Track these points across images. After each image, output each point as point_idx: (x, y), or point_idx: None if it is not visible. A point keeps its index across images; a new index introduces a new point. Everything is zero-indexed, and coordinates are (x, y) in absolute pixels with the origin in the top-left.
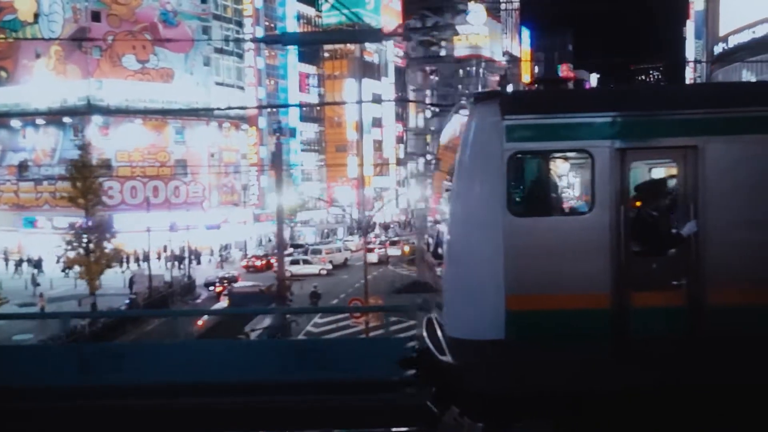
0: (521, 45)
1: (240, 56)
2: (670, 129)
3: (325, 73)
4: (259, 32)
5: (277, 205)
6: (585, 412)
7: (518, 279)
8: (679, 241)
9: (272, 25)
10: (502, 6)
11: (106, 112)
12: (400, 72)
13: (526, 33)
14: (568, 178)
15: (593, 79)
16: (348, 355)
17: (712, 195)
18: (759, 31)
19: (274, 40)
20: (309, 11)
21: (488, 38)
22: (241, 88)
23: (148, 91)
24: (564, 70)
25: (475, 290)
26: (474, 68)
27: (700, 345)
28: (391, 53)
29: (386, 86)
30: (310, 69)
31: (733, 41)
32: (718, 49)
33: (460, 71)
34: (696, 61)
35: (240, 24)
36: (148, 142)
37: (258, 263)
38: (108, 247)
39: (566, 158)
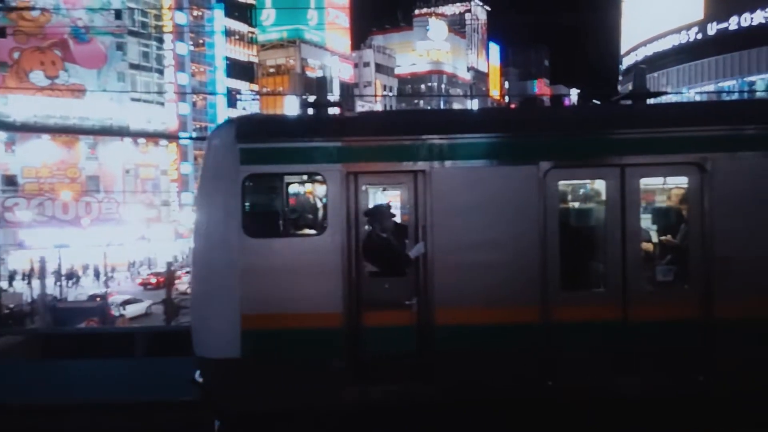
0: (489, 60)
1: (161, 72)
2: (400, 153)
3: (262, 89)
4: (183, 49)
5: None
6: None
7: (252, 298)
8: (407, 262)
9: (201, 41)
10: (468, 22)
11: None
12: (346, 88)
13: (495, 49)
14: (305, 199)
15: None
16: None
17: (438, 218)
18: (640, 54)
19: None
20: (241, 27)
21: (450, 54)
22: (161, 104)
23: (58, 106)
24: (540, 86)
25: (213, 309)
26: (436, 83)
27: (429, 361)
28: (336, 69)
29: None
30: (242, 85)
31: (626, 62)
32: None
33: (422, 86)
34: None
35: (161, 40)
36: (57, 158)
37: (153, 280)
38: None
39: (301, 181)
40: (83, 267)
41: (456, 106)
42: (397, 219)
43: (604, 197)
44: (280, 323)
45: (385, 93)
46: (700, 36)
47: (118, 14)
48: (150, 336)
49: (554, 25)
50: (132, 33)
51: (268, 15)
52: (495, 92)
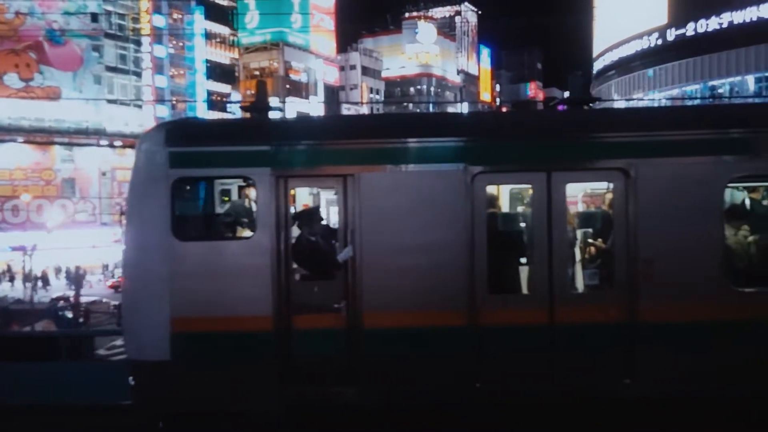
0: (479, 63)
1: (138, 75)
2: (328, 158)
3: (246, 92)
4: (161, 51)
5: None
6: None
7: (182, 302)
8: (335, 266)
9: (180, 44)
10: (457, 25)
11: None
12: (331, 91)
13: (485, 51)
14: (239, 203)
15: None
16: None
17: (366, 222)
18: (608, 59)
19: None
20: (222, 30)
21: (439, 57)
22: (139, 106)
23: (33, 109)
24: (532, 89)
25: (143, 313)
26: (425, 86)
27: (358, 364)
28: (321, 72)
29: (315, 105)
30: (224, 88)
31: (596, 66)
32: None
33: (411, 89)
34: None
35: (138, 43)
36: (32, 160)
37: None
38: None
39: (231, 185)
40: (56, 269)
41: (450, 109)
42: (327, 222)
43: (531, 202)
44: (210, 326)
45: (371, 96)
46: (660, 42)
47: (95, 17)
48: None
49: (547, 28)
50: (109, 36)
51: (252, 17)
52: (486, 95)
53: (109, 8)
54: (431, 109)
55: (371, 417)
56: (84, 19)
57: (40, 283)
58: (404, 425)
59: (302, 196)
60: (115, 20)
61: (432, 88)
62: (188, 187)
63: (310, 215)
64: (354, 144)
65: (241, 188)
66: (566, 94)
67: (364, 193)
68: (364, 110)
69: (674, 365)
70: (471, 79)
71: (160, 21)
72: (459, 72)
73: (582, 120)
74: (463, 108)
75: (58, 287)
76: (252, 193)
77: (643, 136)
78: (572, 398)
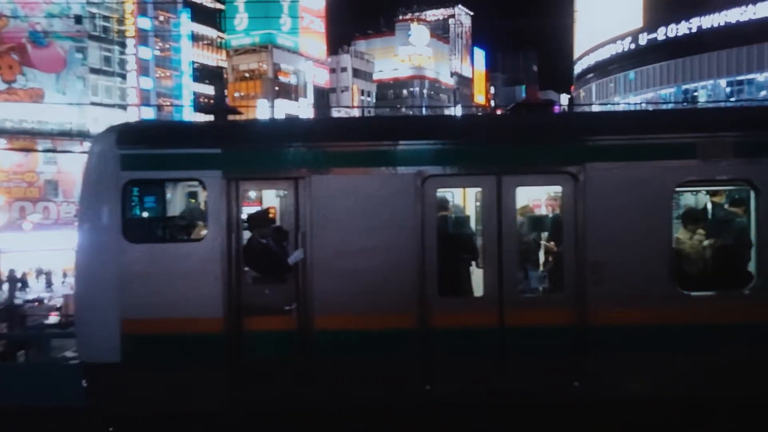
0: (473, 66)
1: (123, 77)
2: (280, 160)
3: (234, 94)
4: (146, 53)
5: None
6: None
7: (133, 303)
8: (285, 268)
9: (167, 46)
10: (451, 27)
11: None
12: (321, 93)
13: (480, 54)
14: (194, 206)
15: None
16: None
17: (317, 224)
18: (585, 62)
19: None
20: (210, 32)
21: (432, 59)
22: (123, 108)
23: (15, 110)
24: (529, 92)
25: (93, 315)
26: (418, 89)
27: (309, 367)
28: (310, 74)
29: (304, 108)
30: (210, 90)
31: (576, 69)
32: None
33: (404, 91)
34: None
35: (123, 45)
36: (14, 161)
37: None
38: None
39: (183, 187)
40: (36, 272)
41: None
42: (277, 224)
43: (481, 205)
44: (161, 328)
45: (362, 98)
46: (633, 46)
47: (78, 19)
48: None
49: (544, 30)
50: (93, 37)
51: (240, 19)
52: (480, 97)
53: (94, 10)
54: (424, 112)
55: (324, 419)
56: (68, 21)
57: (19, 285)
58: (358, 427)
59: (269, 199)
60: (99, 22)
61: (425, 91)
62: (139, 190)
63: (261, 217)
64: (305, 147)
65: (169, 191)
66: (563, 96)
67: (316, 196)
68: (355, 113)
69: (623, 368)
70: (465, 82)
71: (145, 23)
72: (452, 74)
73: (532, 124)
74: (457, 111)
75: (39, 289)
76: (204, 195)
77: (591, 140)
78: (522, 400)
